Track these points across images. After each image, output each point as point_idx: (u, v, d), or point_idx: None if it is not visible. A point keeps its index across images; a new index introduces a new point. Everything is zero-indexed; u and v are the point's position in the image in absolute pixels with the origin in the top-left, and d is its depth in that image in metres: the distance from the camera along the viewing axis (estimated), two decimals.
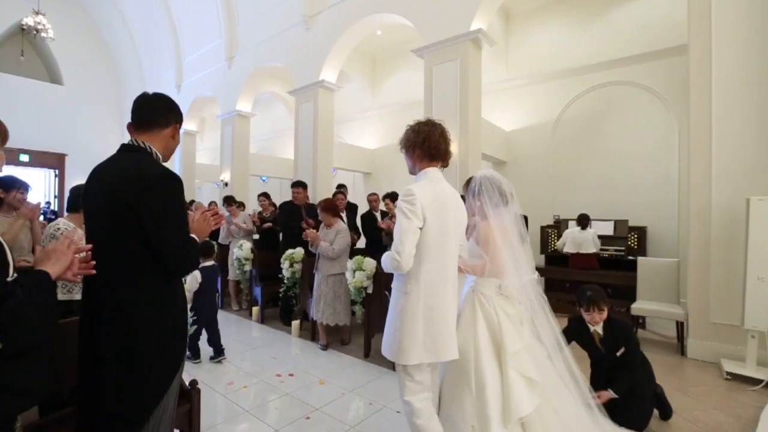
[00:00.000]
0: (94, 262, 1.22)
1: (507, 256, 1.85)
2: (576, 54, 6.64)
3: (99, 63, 13.79)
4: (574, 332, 2.50)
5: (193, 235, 1.49)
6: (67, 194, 2.51)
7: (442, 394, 1.89)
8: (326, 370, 3.33)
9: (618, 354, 2.35)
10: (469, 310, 1.89)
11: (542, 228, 6.28)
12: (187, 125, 10.72)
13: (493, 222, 1.88)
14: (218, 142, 9.87)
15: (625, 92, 6.18)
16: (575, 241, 5.39)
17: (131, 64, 13.39)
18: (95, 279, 1.29)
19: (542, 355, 1.92)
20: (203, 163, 12.67)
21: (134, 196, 1.26)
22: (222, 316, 5.16)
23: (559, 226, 6.12)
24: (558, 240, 5.89)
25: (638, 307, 4.10)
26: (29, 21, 10.37)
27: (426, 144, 1.75)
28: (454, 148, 5.19)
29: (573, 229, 5.51)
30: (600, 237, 5.51)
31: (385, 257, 1.73)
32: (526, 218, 4.46)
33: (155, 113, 1.45)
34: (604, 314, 2.39)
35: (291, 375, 3.21)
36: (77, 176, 13.31)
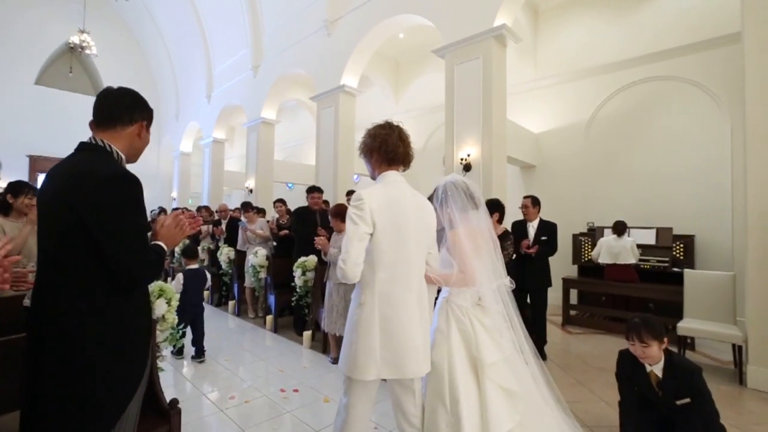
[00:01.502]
0: (8, 275, 1.09)
1: (477, 263, 1.78)
2: (611, 49, 6.18)
3: (138, 76, 14.50)
4: (628, 371, 2.04)
5: (159, 242, 1.35)
6: None
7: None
8: (334, 387, 3.13)
9: (678, 403, 1.89)
10: (443, 323, 1.80)
11: (574, 236, 5.83)
12: (216, 134, 11.02)
13: (461, 230, 1.81)
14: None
15: (668, 88, 5.65)
16: (611, 250, 4.93)
17: (166, 76, 13.99)
18: (42, 291, 1.17)
19: (524, 372, 1.82)
20: (233, 171, 12.97)
21: (80, 198, 1.13)
22: (237, 323, 5.12)
23: (594, 234, 5.66)
24: (592, 249, 5.44)
25: (686, 326, 3.63)
26: (75, 39, 11.08)
27: (383, 148, 1.67)
28: (476, 150, 4.94)
29: (608, 237, 5.06)
30: (640, 246, 5.02)
31: (337, 267, 1.63)
32: (555, 226, 4.12)
33: (118, 109, 1.32)
34: (651, 350, 1.90)
35: (296, 390, 3.03)
36: None
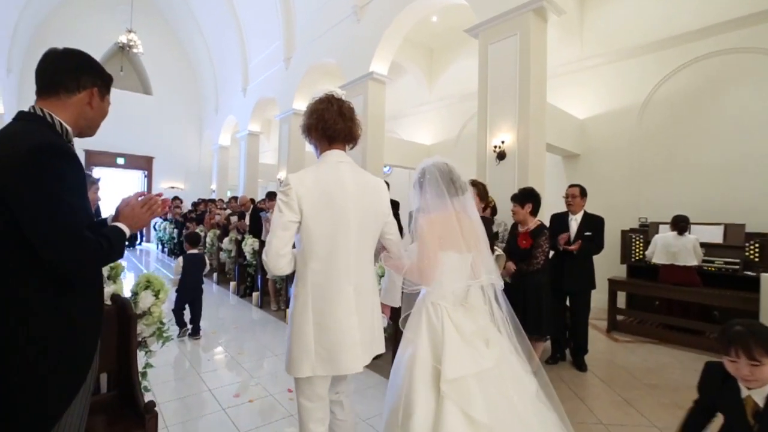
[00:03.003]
0: None
1: (444, 256, 1.60)
2: (670, 21, 5.42)
3: (180, 73, 15.11)
4: (715, 389, 1.51)
5: (119, 224, 1.18)
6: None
7: None
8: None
9: None
10: (415, 321, 1.64)
11: (623, 233, 5.21)
12: (251, 126, 11.18)
13: (427, 217, 1.64)
14: None
15: (741, 62, 4.85)
16: (669, 249, 4.32)
17: (206, 71, 14.42)
18: None
19: (512, 390, 1.53)
20: (269, 163, 13.14)
21: (0, 171, 0.96)
22: (259, 315, 5.06)
23: (647, 230, 5.03)
24: (643, 247, 4.83)
25: None
26: (123, 39, 11.63)
27: (320, 125, 1.51)
28: (511, 137, 4.49)
29: (666, 234, 4.44)
30: (704, 245, 4.36)
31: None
32: (602, 220, 3.64)
33: (59, 74, 1.14)
34: (762, 370, 1.34)
35: None
36: (163, 176, 14.73)
